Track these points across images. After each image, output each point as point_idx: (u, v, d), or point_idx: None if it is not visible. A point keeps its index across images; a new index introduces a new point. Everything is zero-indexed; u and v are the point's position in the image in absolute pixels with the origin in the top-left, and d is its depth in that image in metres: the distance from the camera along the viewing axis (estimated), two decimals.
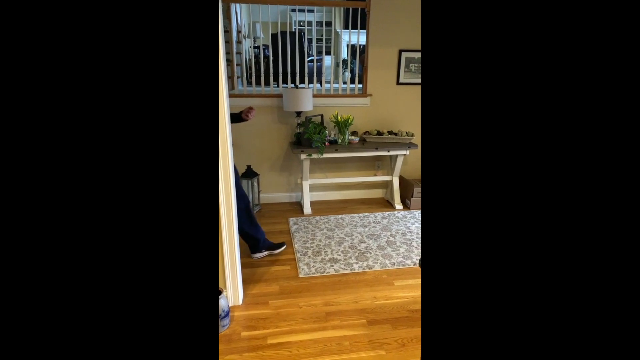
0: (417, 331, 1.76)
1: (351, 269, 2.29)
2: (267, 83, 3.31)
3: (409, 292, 2.07)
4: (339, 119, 2.99)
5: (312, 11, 3.21)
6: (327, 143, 2.98)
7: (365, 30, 3.14)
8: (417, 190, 3.21)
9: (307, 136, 2.91)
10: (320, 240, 2.64)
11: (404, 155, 3.21)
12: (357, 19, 3.17)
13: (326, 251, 2.48)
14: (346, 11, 4.34)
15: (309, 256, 2.43)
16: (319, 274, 2.22)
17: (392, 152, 3.09)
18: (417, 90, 3.28)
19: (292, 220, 3.00)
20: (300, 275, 2.22)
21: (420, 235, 2.74)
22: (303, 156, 2.97)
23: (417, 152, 3.39)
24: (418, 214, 3.13)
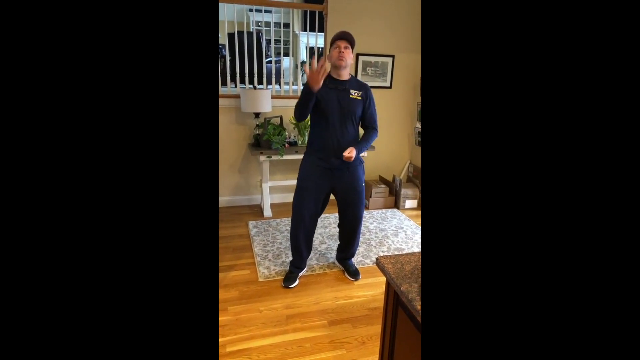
0: (376, 329, 1.80)
1: (312, 270, 2.29)
2: (224, 83, 3.22)
3: (368, 290, 2.12)
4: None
5: (270, 12, 3.18)
6: (287, 145, 2.96)
7: (323, 33, 3.17)
8: (376, 191, 3.29)
9: (267, 137, 2.88)
10: (280, 243, 2.61)
11: (362, 156, 3.28)
12: (315, 21, 3.19)
13: (287, 254, 2.46)
14: (304, 13, 4.36)
15: (269, 259, 2.40)
16: (279, 277, 2.19)
17: None
18: (375, 93, 3.36)
19: (251, 223, 2.94)
20: (260, 279, 2.18)
21: (377, 235, 2.82)
22: (262, 158, 2.93)
23: (375, 154, 3.48)
24: (376, 213, 3.21)
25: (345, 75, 1.91)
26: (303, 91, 1.79)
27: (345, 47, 1.83)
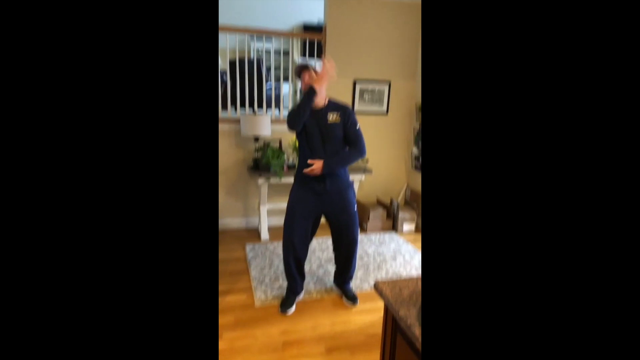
0: (375, 356, 1.76)
1: (309, 295, 2.26)
2: (224, 108, 3.29)
3: (367, 316, 2.08)
4: (297, 144, 3.04)
5: (271, 40, 3.30)
6: (285, 168, 2.99)
7: (321, 60, 3.27)
8: (374, 214, 3.30)
9: (265, 161, 2.91)
10: (277, 267, 2.59)
11: (360, 180, 3.31)
12: (314, 49, 3.31)
13: (284, 278, 2.43)
14: (304, 42, 4.50)
15: (266, 284, 2.37)
16: (276, 302, 2.16)
17: None
18: (371, 119, 3.44)
19: (248, 246, 2.92)
20: (257, 304, 2.15)
21: (375, 259, 2.80)
22: (261, 181, 2.95)
23: (372, 177, 3.51)
24: (374, 237, 3.20)
25: (320, 103, 1.93)
26: (304, 97, 1.82)
27: (311, 72, 1.89)
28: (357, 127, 1.98)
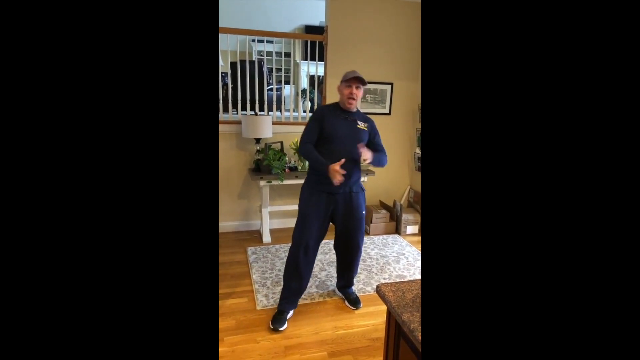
0: None
1: (311, 299, 2.23)
2: (225, 110, 3.28)
3: (370, 319, 2.05)
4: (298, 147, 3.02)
5: (272, 42, 3.30)
6: (287, 170, 2.97)
7: (323, 62, 3.26)
8: (376, 216, 3.26)
9: (267, 163, 2.89)
10: (280, 270, 2.56)
11: (362, 182, 3.27)
12: (315, 51, 3.29)
13: None
14: (305, 43, 4.50)
15: (268, 287, 2.34)
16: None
17: None
18: (374, 120, 3.42)
19: (250, 249, 2.90)
20: (258, 308, 2.12)
21: (378, 261, 2.76)
22: (262, 183, 2.93)
23: (375, 179, 3.48)
24: (377, 239, 3.17)
25: (354, 107, 2.02)
26: (318, 164, 1.87)
27: (357, 87, 1.93)
28: (380, 138, 2.09)
